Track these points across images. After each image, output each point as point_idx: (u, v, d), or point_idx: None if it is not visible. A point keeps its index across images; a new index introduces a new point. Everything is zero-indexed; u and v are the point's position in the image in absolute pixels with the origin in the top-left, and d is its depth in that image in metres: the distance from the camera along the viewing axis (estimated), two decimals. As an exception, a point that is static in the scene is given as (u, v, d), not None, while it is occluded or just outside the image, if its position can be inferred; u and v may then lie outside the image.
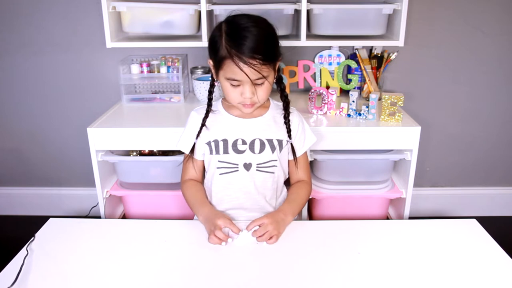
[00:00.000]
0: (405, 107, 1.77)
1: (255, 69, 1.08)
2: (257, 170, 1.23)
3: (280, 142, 1.24)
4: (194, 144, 1.26)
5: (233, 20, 1.13)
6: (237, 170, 1.23)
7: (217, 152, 1.23)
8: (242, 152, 1.22)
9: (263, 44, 1.09)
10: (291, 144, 1.26)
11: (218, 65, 1.13)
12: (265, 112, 1.25)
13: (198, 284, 0.93)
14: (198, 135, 1.25)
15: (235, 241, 1.08)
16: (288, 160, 1.31)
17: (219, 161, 1.23)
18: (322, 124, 1.61)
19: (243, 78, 1.10)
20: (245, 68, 1.08)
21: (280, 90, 1.24)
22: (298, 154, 1.29)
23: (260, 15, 1.70)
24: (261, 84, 1.13)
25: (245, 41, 1.07)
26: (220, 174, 1.24)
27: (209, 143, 1.24)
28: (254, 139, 1.22)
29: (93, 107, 2.04)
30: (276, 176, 1.26)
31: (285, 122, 1.24)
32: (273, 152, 1.23)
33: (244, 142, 1.22)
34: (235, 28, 1.11)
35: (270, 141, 1.23)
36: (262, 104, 1.21)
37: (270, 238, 1.08)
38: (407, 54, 1.96)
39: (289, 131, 1.25)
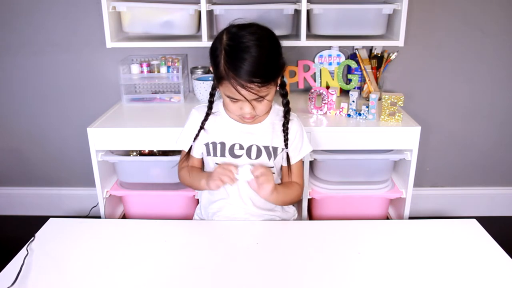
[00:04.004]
0: (405, 107, 1.77)
1: (252, 92, 1.07)
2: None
3: (275, 149, 1.23)
4: (191, 145, 1.26)
5: (235, 34, 1.09)
6: None
7: (214, 154, 1.23)
8: (239, 156, 1.22)
9: (263, 67, 1.07)
10: (287, 153, 1.26)
11: (218, 80, 1.12)
12: (265, 118, 1.24)
13: (198, 284, 0.93)
14: (196, 137, 1.24)
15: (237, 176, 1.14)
16: (282, 166, 1.30)
17: (215, 163, 1.23)
18: (322, 124, 1.61)
19: (241, 98, 1.10)
20: (243, 91, 1.07)
21: (282, 95, 1.22)
22: (292, 161, 1.27)
23: (260, 15, 1.73)
24: (261, 101, 1.12)
25: (243, 64, 1.05)
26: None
27: (207, 145, 1.24)
28: (252, 145, 1.22)
29: (93, 107, 2.04)
30: None
31: (283, 130, 1.23)
32: (269, 159, 1.23)
33: (241, 147, 1.22)
34: (235, 47, 1.07)
35: (266, 148, 1.23)
36: None
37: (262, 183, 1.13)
38: (407, 54, 1.96)
39: (286, 139, 1.24)
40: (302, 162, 1.33)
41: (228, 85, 1.08)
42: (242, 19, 1.13)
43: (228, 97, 1.12)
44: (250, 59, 1.05)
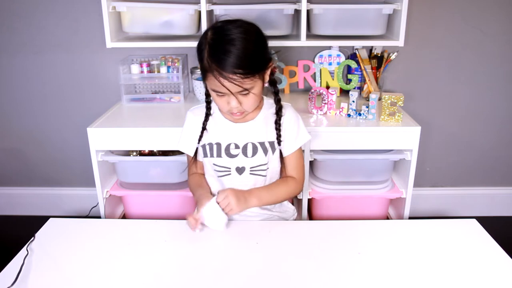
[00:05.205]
0: (405, 107, 1.77)
1: (235, 84, 1.07)
2: (250, 173, 1.23)
3: (271, 143, 1.23)
4: (197, 147, 1.27)
5: (220, 28, 1.10)
6: (230, 174, 1.23)
7: (211, 155, 1.23)
8: (235, 156, 1.22)
9: (245, 59, 1.06)
10: (280, 148, 1.25)
11: (203, 75, 1.13)
12: (257, 114, 1.23)
13: (198, 284, 0.93)
14: (200, 139, 1.24)
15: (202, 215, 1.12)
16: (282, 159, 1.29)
17: (213, 164, 1.24)
18: (322, 124, 1.61)
19: (225, 91, 1.10)
20: (226, 82, 1.07)
21: (274, 93, 1.22)
22: (289, 152, 1.25)
23: (260, 15, 1.74)
24: (246, 94, 1.12)
25: (226, 55, 1.05)
26: (218, 176, 1.24)
27: (203, 146, 1.24)
28: (247, 143, 1.22)
29: (93, 107, 2.05)
30: (268, 179, 1.26)
31: (276, 128, 1.23)
32: (265, 154, 1.22)
33: (237, 146, 1.22)
34: (218, 40, 1.08)
35: (262, 144, 1.22)
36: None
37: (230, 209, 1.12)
38: (407, 54, 1.96)
39: (278, 135, 1.23)
40: (301, 152, 1.29)
41: (212, 77, 1.08)
42: (228, 16, 1.14)
43: (214, 91, 1.12)
44: (232, 50, 1.05)
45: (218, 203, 1.12)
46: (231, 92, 1.09)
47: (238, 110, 1.15)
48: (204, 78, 1.13)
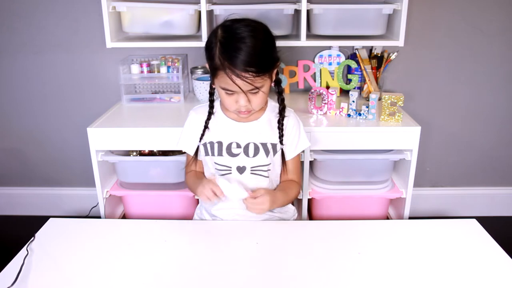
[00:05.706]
0: (405, 107, 1.77)
1: (247, 82, 1.08)
2: (251, 173, 1.23)
3: (274, 145, 1.23)
4: (198, 146, 1.27)
5: (230, 27, 1.11)
6: (230, 173, 1.23)
7: (212, 154, 1.23)
8: (236, 155, 1.22)
9: (257, 57, 1.08)
10: (282, 150, 1.26)
11: (213, 73, 1.13)
12: (261, 115, 1.24)
13: (198, 284, 0.93)
14: (201, 137, 1.25)
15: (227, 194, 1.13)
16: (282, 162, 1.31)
17: (214, 162, 1.24)
18: (322, 124, 1.61)
19: (236, 89, 1.10)
20: (238, 80, 1.08)
21: (277, 93, 1.23)
22: (288, 157, 1.27)
23: (260, 15, 1.74)
24: (256, 93, 1.13)
25: (238, 53, 1.06)
26: (219, 175, 1.24)
27: (204, 144, 1.24)
28: (249, 143, 1.22)
29: (93, 107, 2.05)
30: (270, 180, 1.26)
31: (278, 127, 1.24)
32: (267, 156, 1.23)
33: (238, 146, 1.22)
34: (230, 38, 1.09)
35: (264, 145, 1.22)
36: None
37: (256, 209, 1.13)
38: (407, 54, 1.96)
39: (281, 136, 1.24)
40: (299, 158, 1.32)
41: (224, 75, 1.09)
42: (236, 15, 1.14)
43: (224, 89, 1.12)
44: (245, 48, 1.06)
45: (248, 199, 1.13)
46: (242, 90, 1.09)
47: (246, 109, 1.15)
48: (213, 76, 1.13)
